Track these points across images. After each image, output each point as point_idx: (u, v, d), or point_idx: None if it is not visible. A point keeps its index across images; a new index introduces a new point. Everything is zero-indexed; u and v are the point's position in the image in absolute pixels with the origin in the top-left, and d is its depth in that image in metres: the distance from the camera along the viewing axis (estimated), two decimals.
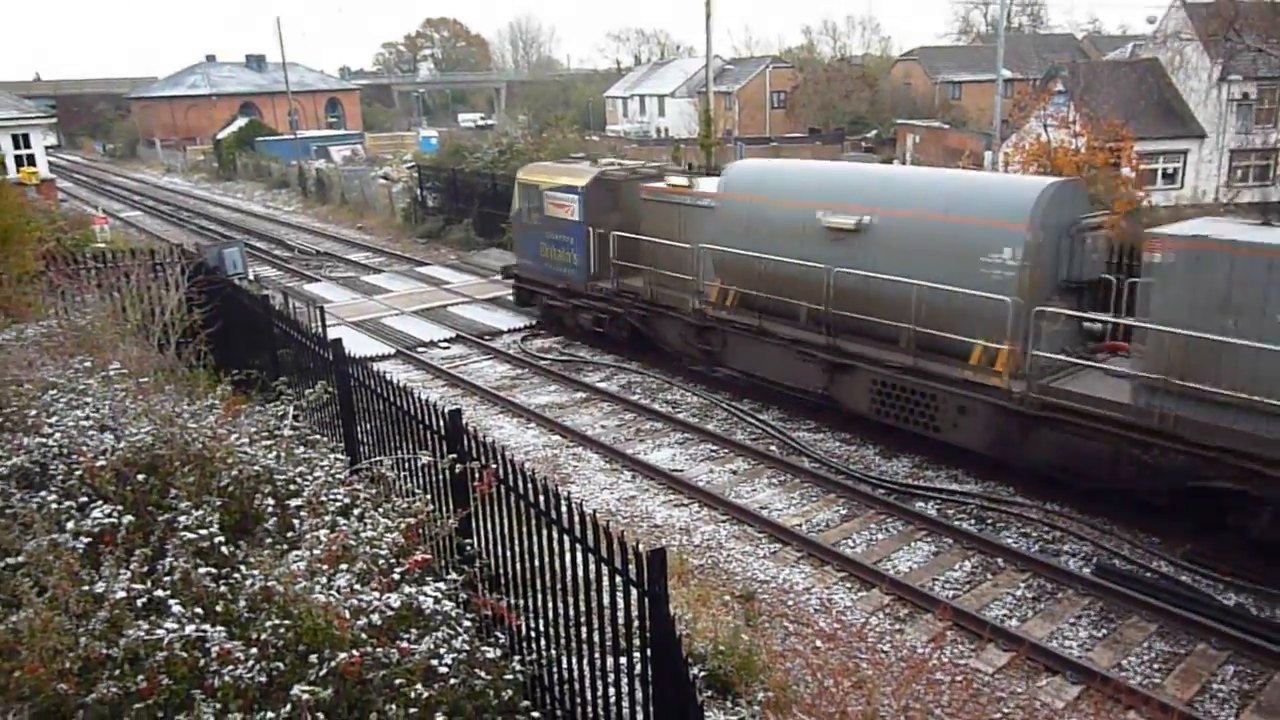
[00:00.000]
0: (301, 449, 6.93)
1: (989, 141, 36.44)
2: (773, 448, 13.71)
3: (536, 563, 5.84)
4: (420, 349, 19.25)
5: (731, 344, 15.53)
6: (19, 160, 29.89)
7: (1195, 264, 9.80)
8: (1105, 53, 58.74)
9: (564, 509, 5.49)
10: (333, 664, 4.48)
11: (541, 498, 5.65)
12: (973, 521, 11.40)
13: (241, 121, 59.98)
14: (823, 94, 63.45)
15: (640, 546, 4.96)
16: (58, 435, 6.43)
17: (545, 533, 5.67)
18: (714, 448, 13.81)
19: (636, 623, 5.00)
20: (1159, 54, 39.98)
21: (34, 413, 6.97)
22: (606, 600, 5.30)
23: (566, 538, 5.50)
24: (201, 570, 4.96)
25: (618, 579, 5.10)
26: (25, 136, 30.63)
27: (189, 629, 4.49)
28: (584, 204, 17.80)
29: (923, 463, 13.00)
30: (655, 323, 17.15)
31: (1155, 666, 8.63)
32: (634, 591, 4.97)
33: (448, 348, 19.48)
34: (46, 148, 33.42)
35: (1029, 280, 11.51)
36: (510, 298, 21.62)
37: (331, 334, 10.56)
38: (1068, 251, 11.81)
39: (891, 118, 58.04)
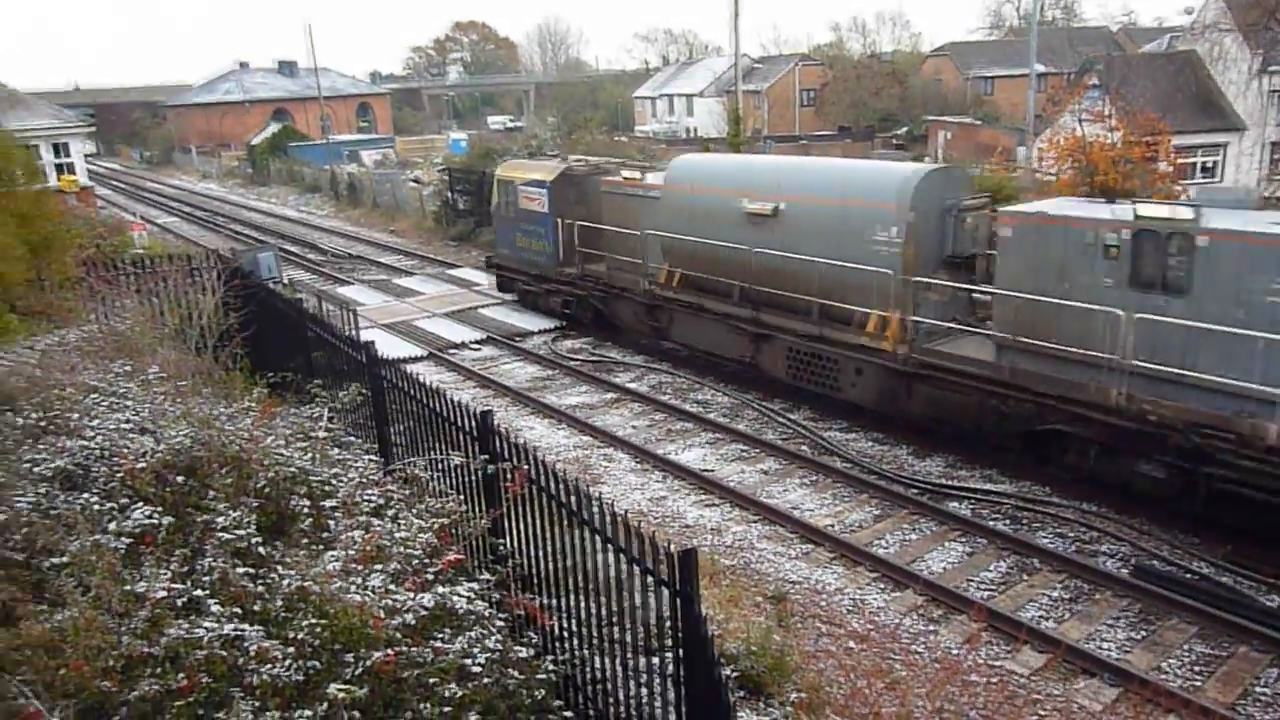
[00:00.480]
0: (336, 450, 7.02)
1: (1022, 137, 36.02)
2: (804, 448, 13.66)
3: (568, 563, 5.87)
4: (451, 350, 19.40)
5: (677, 320, 17.49)
6: (59, 168, 30.51)
7: (1035, 237, 11.58)
8: (1140, 45, 57.82)
9: (595, 509, 5.51)
10: (368, 663, 4.53)
11: (573, 498, 5.68)
12: (1007, 521, 11.29)
13: (274, 127, 60.77)
14: (852, 91, 63.02)
15: (671, 547, 4.96)
16: (99, 438, 6.57)
17: (576, 533, 5.70)
18: (744, 448, 13.78)
19: (668, 623, 5.01)
20: (1196, 46, 39.23)
21: (76, 416, 7.12)
22: (638, 600, 5.31)
23: (598, 538, 5.52)
24: (239, 570, 5.05)
25: (649, 579, 5.11)
26: (65, 145, 31.29)
27: (227, 628, 4.56)
28: (551, 197, 19.89)
29: (956, 462, 12.89)
30: (613, 304, 19.21)
31: (1195, 669, 8.49)
32: (665, 591, 4.98)
33: (478, 349, 19.61)
34: (85, 156, 34.07)
35: (910, 255, 13.19)
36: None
37: (364, 336, 10.68)
38: (950, 230, 13.42)
39: (922, 114, 57.50)
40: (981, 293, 13.28)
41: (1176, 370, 10.28)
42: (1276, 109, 37.53)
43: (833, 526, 11.26)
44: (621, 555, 5.34)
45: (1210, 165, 37.84)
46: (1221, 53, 37.79)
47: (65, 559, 5.19)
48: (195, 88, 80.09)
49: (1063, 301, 11.20)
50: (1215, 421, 10.04)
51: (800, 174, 15.65)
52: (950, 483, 12.30)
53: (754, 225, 15.28)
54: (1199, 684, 8.27)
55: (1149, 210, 10.71)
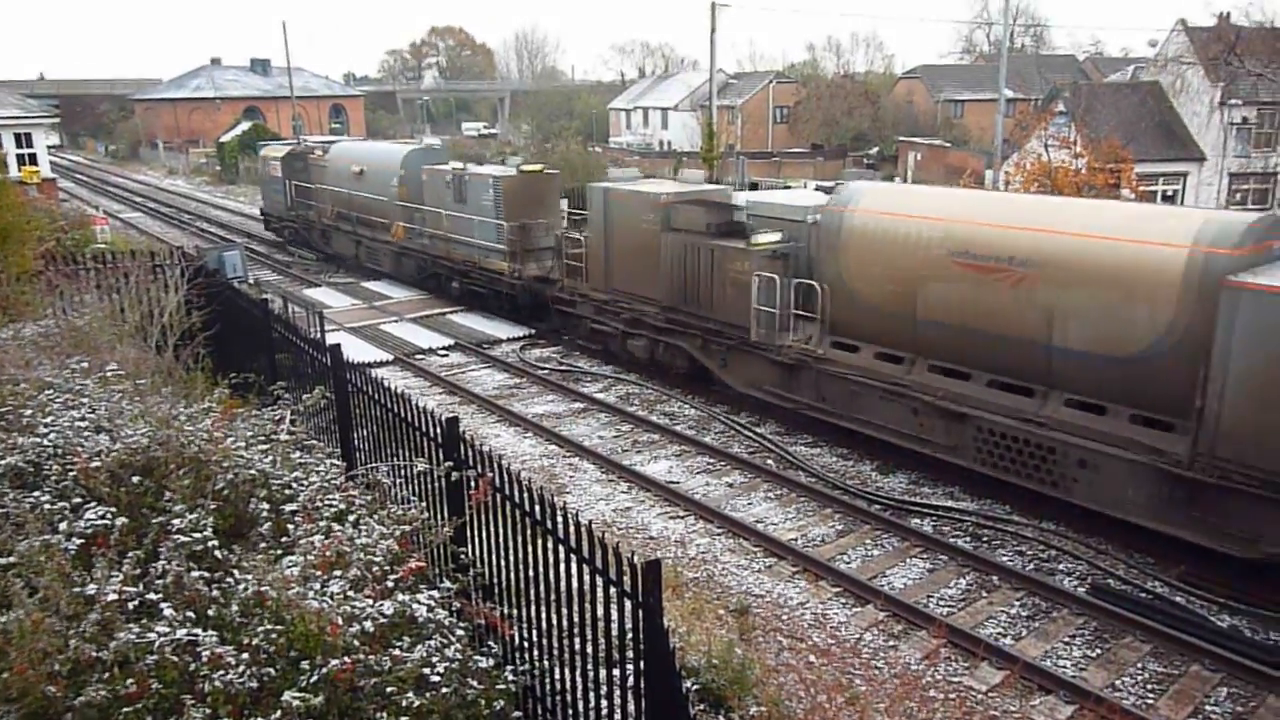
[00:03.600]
0: (298, 454, 6.91)
1: (990, 160, 36.56)
2: (769, 461, 13.69)
3: (531, 573, 5.82)
4: (418, 356, 19.25)
5: (334, 238, 28.92)
6: (20, 159, 29.89)
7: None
8: (1107, 75, 59.07)
9: (560, 519, 5.47)
10: (324, 670, 4.45)
11: (537, 507, 5.64)
12: (968, 539, 11.39)
13: (245, 125, 60.01)
14: (825, 110, 63.71)
15: (635, 558, 4.94)
16: (53, 435, 6.41)
17: (540, 543, 5.65)
18: (711, 460, 13.80)
19: (630, 635, 4.98)
20: (1160, 77, 40.16)
21: (29, 412, 6.94)
22: (600, 612, 5.28)
23: (561, 548, 5.48)
24: (194, 574, 4.94)
25: (612, 590, 5.08)
26: (28, 135, 30.63)
27: (180, 633, 4.46)
28: (282, 168, 30.46)
29: (919, 479, 12.99)
30: (313, 231, 30.28)
31: (1149, 687, 8.61)
32: (628, 603, 4.95)
33: (446, 355, 19.48)
34: (48, 147, 33.43)
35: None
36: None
37: (330, 339, 10.54)
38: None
39: (894, 135, 58.24)
40: None
41: (463, 237, 22.19)
42: (1236, 140, 38.45)
43: (796, 541, 11.29)
44: (585, 566, 5.30)
45: (1171, 194, 38.67)
46: (1184, 85, 38.71)
47: (13, 559, 5.05)
48: (165, 82, 78.97)
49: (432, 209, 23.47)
50: (476, 257, 21.87)
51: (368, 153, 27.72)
52: (913, 499, 12.39)
53: (356, 178, 26.47)
54: (1152, 701, 8.39)
55: (475, 169, 23.22)
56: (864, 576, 10.41)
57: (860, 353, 13.57)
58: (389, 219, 24.67)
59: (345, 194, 26.70)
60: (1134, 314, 10.50)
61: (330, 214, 27.74)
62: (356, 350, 18.27)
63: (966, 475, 12.48)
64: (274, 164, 30.98)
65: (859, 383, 13.43)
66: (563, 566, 5.51)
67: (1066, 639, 9.33)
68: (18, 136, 30.22)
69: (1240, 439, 9.57)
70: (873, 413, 13.40)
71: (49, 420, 6.68)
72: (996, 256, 11.67)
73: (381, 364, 18.33)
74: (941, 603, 10.01)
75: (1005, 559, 10.84)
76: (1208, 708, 8.33)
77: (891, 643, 9.26)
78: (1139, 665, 8.91)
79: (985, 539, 11.38)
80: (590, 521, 7.13)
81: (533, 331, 20.53)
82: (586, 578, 5.33)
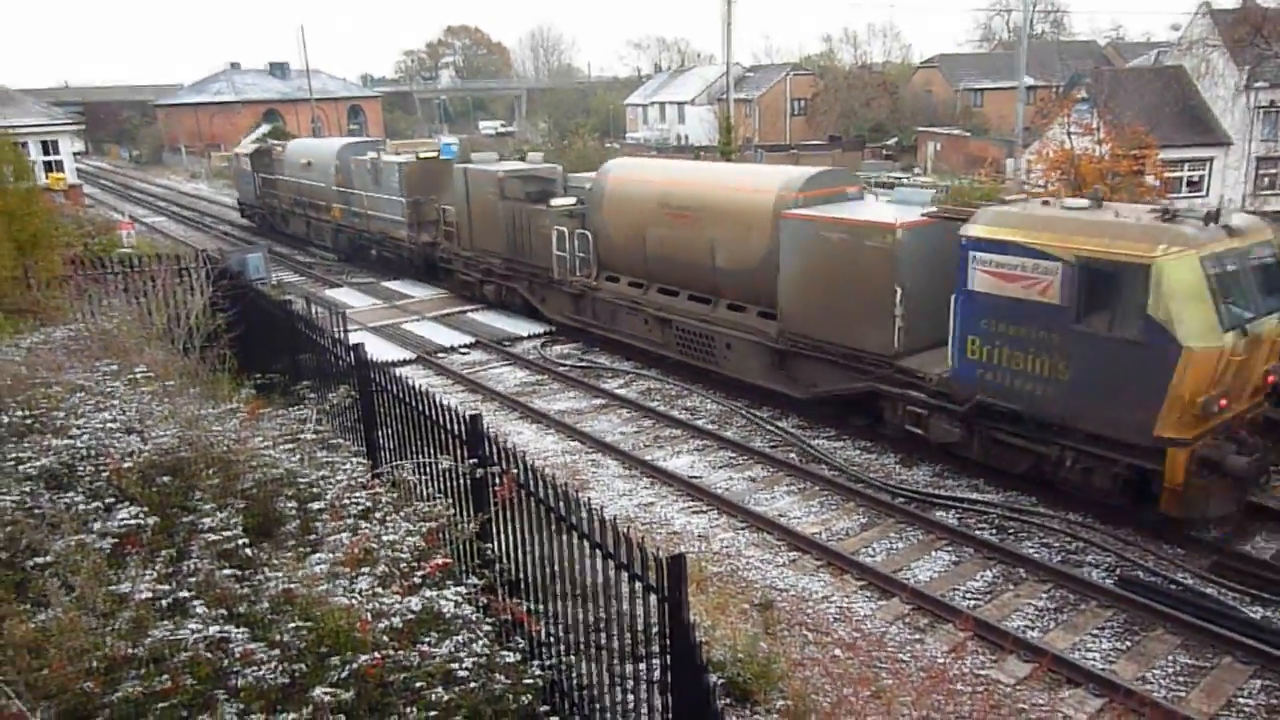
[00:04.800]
0: (323, 453, 6.98)
1: (1011, 149, 36.24)
2: (791, 455, 13.67)
3: (555, 568, 5.86)
4: (440, 354, 19.35)
5: (293, 221, 33.63)
6: (47, 166, 30.31)
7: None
8: (1129, 59, 58.32)
9: (584, 514, 5.50)
10: (354, 666, 4.51)
11: (561, 503, 5.67)
12: (993, 531, 11.33)
13: (265, 128, 60.54)
14: (843, 101, 63.33)
15: (660, 552, 4.96)
16: (85, 437, 6.52)
17: (564, 538, 5.69)
18: (732, 455, 13.80)
19: (655, 629, 5.00)
20: (1184, 61, 39.62)
21: (61, 415, 7.06)
22: (625, 606, 5.30)
23: (586, 543, 5.51)
24: (224, 572, 5.02)
25: (637, 585, 5.11)
26: (54, 143, 31.08)
27: (212, 630, 4.54)
28: (250, 163, 35.80)
29: (943, 471, 12.93)
30: (273, 215, 35.07)
31: (1179, 680, 8.53)
32: (653, 598, 4.97)
33: (467, 353, 19.57)
34: (73, 154, 33.88)
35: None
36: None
37: (352, 339, 10.62)
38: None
39: (912, 125, 57.84)
40: None
41: (378, 213, 26.60)
42: (1262, 124, 37.88)
43: (820, 534, 11.28)
44: (610, 560, 5.33)
45: (1196, 179, 38.17)
46: (1209, 68, 38.15)
47: (49, 559, 5.14)
48: (185, 87, 79.74)
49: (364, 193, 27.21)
50: (387, 229, 26.11)
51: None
52: (937, 491, 12.33)
53: (305, 169, 30.91)
54: (1183, 695, 8.31)
55: (386, 157, 26.56)
56: (888, 570, 10.39)
57: (619, 282, 18.25)
58: (329, 202, 29.43)
59: (296, 183, 31.50)
60: (750, 239, 15.07)
61: (288, 200, 32.70)
62: (378, 349, 18.39)
63: (986, 469, 12.39)
64: (245, 160, 36.33)
65: (616, 304, 18.29)
66: (587, 561, 5.54)
67: (1095, 631, 9.27)
68: (44, 144, 30.66)
69: (792, 318, 14.38)
70: (624, 325, 18.30)
71: (80, 422, 6.79)
72: (683, 206, 16.40)
73: (403, 363, 18.44)
74: (967, 595, 9.96)
75: (1031, 551, 10.78)
76: (1240, 700, 8.25)
77: (917, 636, 9.23)
78: (1169, 658, 8.83)
79: (1011, 531, 11.32)
80: (614, 517, 7.15)
81: (553, 329, 20.59)
82: (611, 572, 5.36)
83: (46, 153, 30.66)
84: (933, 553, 10.86)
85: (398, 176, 25.24)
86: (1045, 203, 12.21)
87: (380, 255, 27.49)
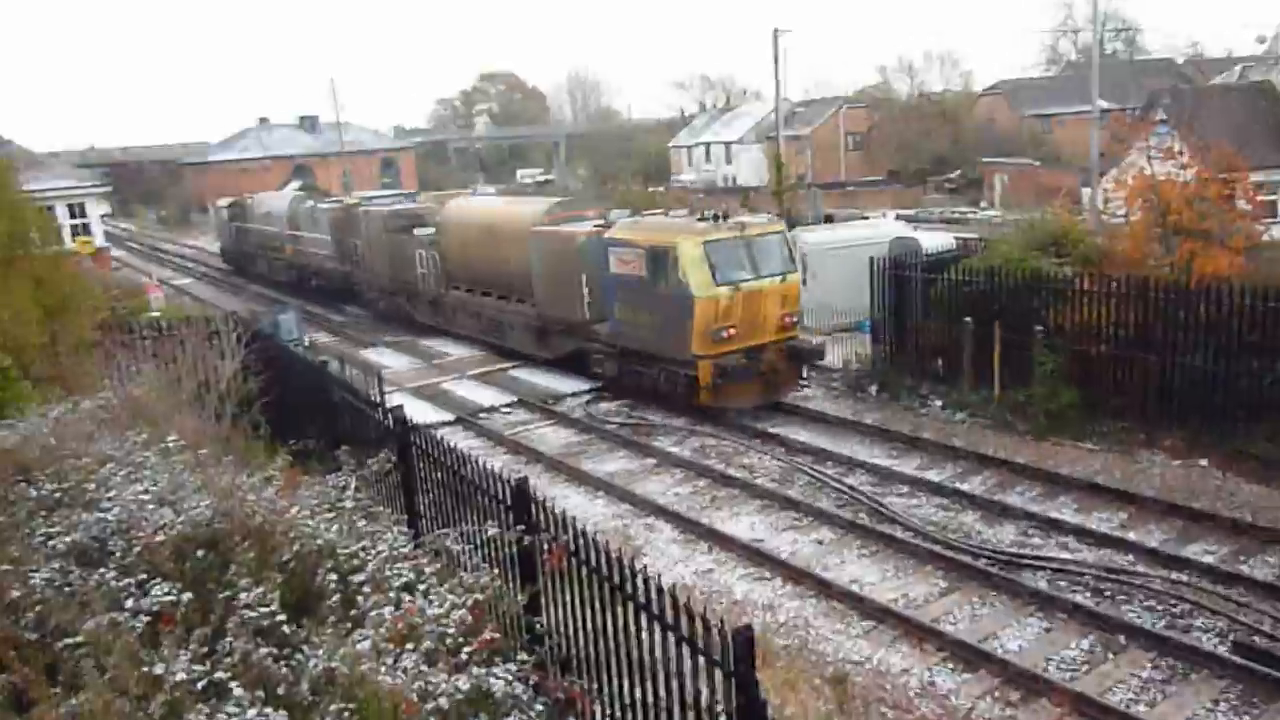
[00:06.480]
0: (363, 522, 7.05)
1: (1086, 178, 35.91)
2: (862, 515, 13.48)
3: (611, 643, 5.82)
4: (481, 415, 19.52)
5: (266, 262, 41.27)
6: (75, 229, 31.51)
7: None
8: (1210, 77, 57.74)
9: (640, 583, 5.47)
10: None
11: (616, 571, 5.65)
12: (1088, 594, 11.01)
13: (295, 184, 62.32)
14: (900, 133, 63.49)
15: (724, 624, 4.91)
16: (116, 510, 6.66)
17: (620, 609, 5.65)
18: (796, 516, 13.64)
19: (721, 708, 4.93)
20: (1272, 75, 39.14)
21: (92, 487, 7.23)
22: (688, 684, 5.23)
23: (643, 615, 5.47)
24: (263, 651, 5.06)
25: (700, 660, 5.05)
26: (81, 206, 32.35)
27: (250, 713, 4.57)
28: (228, 214, 43.76)
29: (1029, 529, 12.65)
30: (246, 259, 42.72)
31: None
32: (718, 673, 4.91)
33: (509, 413, 19.72)
34: (101, 216, 35.23)
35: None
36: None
37: (389, 401, 10.79)
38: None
39: (976, 156, 57.65)
40: None
41: (315, 250, 34.28)
42: None
43: (896, 601, 11.06)
44: (670, 633, 5.28)
45: None
46: None
47: (81, 639, 5.23)
48: (214, 145, 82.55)
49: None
50: (322, 263, 33.81)
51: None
52: (1024, 551, 12.05)
53: (266, 218, 38.76)
54: None
55: (321, 205, 34.96)
56: (973, 639, 10.12)
57: (459, 291, 25.16)
58: (282, 243, 36.86)
59: (260, 230, 39.11)
60: (511, 250, 22.04)
61: (253, 244, 40.43)
62: (417, 411, 18.57)
63: (1079, 530, 12.07)
64: (223, 212, 44.59)
65: (456, 307, 25.55)
66: (645, 635, 5.49)
67: (1209, 704, 8.91)
68: (71, 207, 31.91)
69: (544, 303, 21.23)
70: (464, 323, 25.58)
71: (111, 495, 6.94)
72: (489, 229, 23.54)
73: (443, 425, 18.62)
74: (1062, 666, 9.67)
75: (1132, 615, 10.44)
76: None
77: (1008, 712, 8.96)
78: None
79: (1107, 593, 10.99)
80: (671, 585, 7.10)
81: (599, 385, 20.69)
82: (672, 647, 5.30)
83: (74, 216, 31.91)
84: (1022, 619, 10.58)
85: (327, 220, 32.78)
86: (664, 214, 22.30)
87: (316, 284, 35.21)
